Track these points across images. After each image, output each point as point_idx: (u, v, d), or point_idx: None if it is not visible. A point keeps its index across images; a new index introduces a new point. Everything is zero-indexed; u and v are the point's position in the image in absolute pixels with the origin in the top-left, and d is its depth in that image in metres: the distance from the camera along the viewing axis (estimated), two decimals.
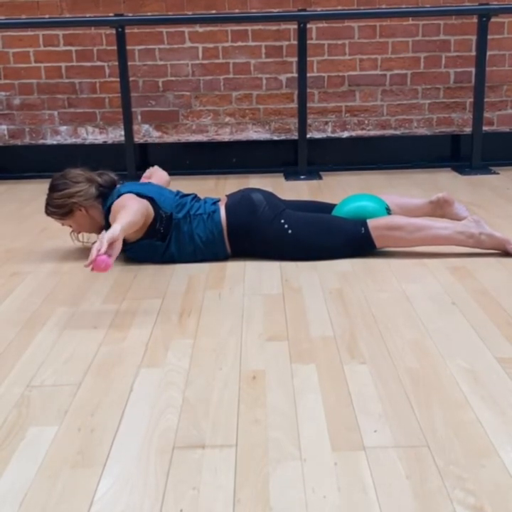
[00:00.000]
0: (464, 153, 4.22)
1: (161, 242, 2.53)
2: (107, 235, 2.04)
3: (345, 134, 4.31)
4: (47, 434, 1.44)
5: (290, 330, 1.92)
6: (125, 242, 2.33)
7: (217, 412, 1.51)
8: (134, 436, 1.43)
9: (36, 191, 3.87)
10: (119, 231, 2.08)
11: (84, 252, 2.70)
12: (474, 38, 4.03)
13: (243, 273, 2.42)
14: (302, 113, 3.97)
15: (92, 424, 1.48)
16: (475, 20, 3.97)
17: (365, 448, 1.36)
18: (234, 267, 2.48)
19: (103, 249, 1.99)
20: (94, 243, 2.06)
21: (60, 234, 2.96)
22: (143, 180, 2.85)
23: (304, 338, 1.86)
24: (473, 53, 4.06)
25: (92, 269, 2.00)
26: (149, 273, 2.45)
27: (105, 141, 4.29)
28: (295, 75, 4.09)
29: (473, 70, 4.04)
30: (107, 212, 2.50)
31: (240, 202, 2.61)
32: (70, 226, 2.66)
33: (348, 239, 2.52)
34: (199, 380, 1.65)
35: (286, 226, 2.53)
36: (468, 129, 4.22)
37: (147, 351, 1.82)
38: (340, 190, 3.58)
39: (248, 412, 1.50)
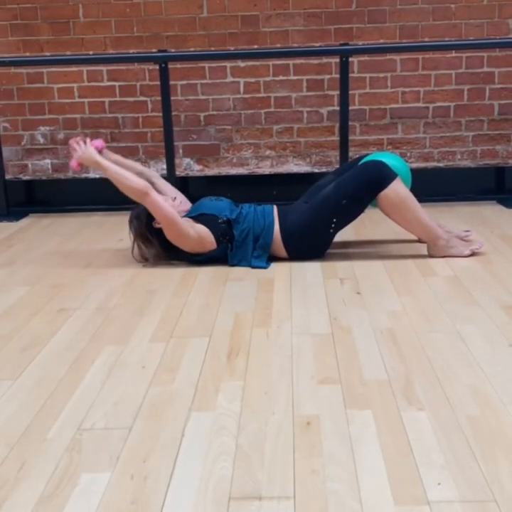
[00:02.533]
0: (510, 185, 4.16)
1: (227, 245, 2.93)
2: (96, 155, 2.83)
3: None
4: (100, 482, 1.41)
5: (342, 372, 1.88)
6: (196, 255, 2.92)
7: (273, 461, 1.46)
8: (188, 485, 1.39)
9: (79, 225, 3.91)
10: (103, 165, 2.80)
11: (130, 287, 2.70)
12: None
13: (290, 310, 2.39)
14: (344, 146, 3.95)
15: (145, 471, 1.45)
16: None
17: (429, 502, 1.31)
18: (280, 304, 2.45)
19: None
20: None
21: (105, 269, 2.97)
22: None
23: (357, 380, 1.82)
24: None
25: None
26: (195, 309, 2.43)
27: None
28: (336, 108, 4.08)
29: None
30: None
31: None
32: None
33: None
34: (252, 426, 1.61)
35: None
36: None
37: (197, 393, 1.79)
38: (384, 224, 3.53)
39: (304, 461, 1.46)
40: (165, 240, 2.91)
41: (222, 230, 2.89)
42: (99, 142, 2.85)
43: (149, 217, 2.90)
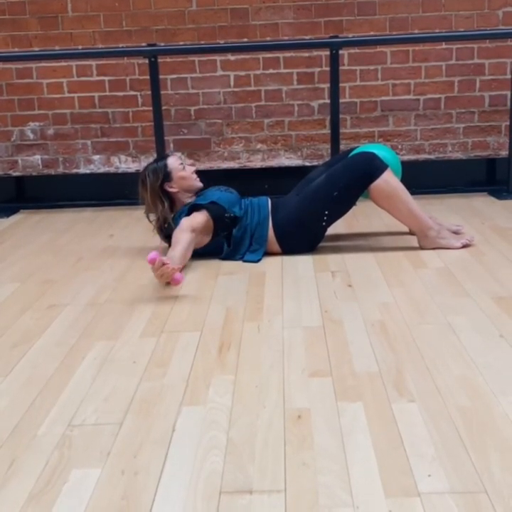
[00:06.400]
0: (500, 177, 4.16)
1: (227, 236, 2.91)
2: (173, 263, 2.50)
3: None
4: (90, 478, 1.41)
5: (333, 365, 1.87)
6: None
7: (263, 455, 1.46)
8: (179, 480, 1.39)
9: (70, 220, 3.89)
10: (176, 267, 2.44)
11: (121, 282, 2.69)
12: (509, 61, 3.99)
13: (281, 304, 2.38)
14: (335, 139, 3.94)
15: (135, 466, 1.44)
16: (510, 43, 3.92)
17: (419, 494, 1.31)
18: (271, 297, 2.45)
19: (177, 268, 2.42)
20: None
21: (96, 264, 2.96)
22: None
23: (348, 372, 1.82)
24: (509, 76, 4.01)
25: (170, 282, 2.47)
26: (186, 304, 2.42)
27: (138, 170, 4.28)
28: (327, 101, 4.08)
29: (508, 93, 3.99)
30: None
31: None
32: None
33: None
34: (243, 419, 1.61)
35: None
36: (504, 153, 4.16)
37: (188, 388, 1.79)
38: (375, 217, 3.53)
39: (295, 454, 1.46)
40: (173, 205, 2.94)
41: (225, 224, 2.88)
42: (154, 255, 2.41)
43: (165, 178, 2.90)
